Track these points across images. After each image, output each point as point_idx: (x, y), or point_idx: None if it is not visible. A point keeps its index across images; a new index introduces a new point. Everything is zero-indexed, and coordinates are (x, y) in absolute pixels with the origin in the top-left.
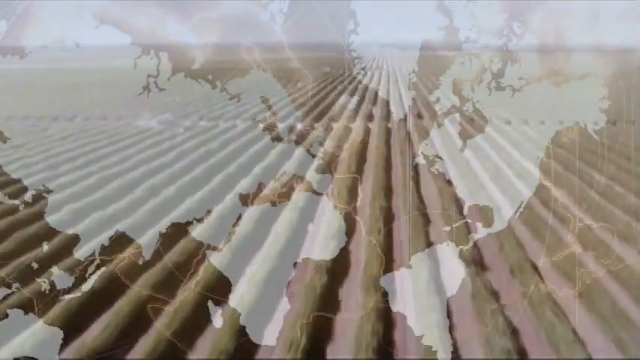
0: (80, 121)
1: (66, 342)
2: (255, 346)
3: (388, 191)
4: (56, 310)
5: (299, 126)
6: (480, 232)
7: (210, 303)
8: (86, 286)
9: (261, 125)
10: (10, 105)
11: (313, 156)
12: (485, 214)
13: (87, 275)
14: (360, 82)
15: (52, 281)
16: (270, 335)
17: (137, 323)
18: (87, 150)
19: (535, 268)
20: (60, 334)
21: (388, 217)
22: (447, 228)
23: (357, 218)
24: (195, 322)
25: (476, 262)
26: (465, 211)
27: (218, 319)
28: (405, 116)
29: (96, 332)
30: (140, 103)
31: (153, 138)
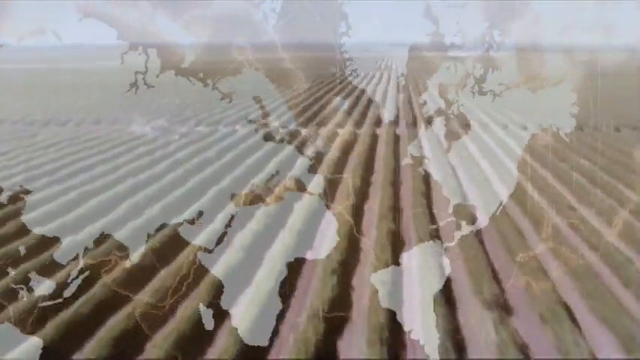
0: (72, 126)
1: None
2: None
3: (396, 211)
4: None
5: (303, 131)
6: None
7: None
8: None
9: (261, 129)
10: (6, 107)
11: (314, 166)
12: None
13: (69, 281)
14: (363, 83)
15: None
16: None
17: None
18: (73, 160)
19: (570, 312)
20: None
21: (397, 244)
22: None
23: (362, 246)
24: None
25: (499, 305)
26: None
27: None
28: (415, 121)
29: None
30: (138, 106)
31: (145, 146)
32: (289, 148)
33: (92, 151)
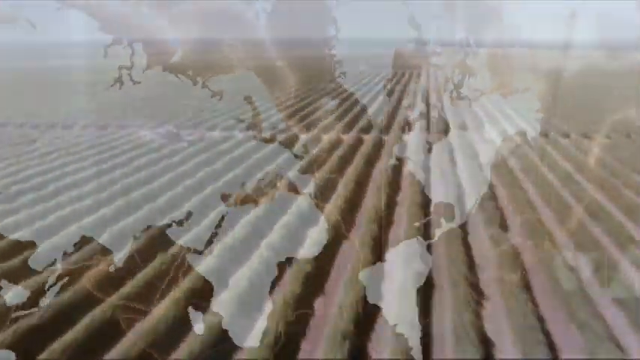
0: (77, 130)
1: None
2: None
3: (428, 247)
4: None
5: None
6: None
7: None
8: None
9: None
10: (12, 107)
11: (334, 180)
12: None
13: (47, 288)
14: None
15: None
16: None
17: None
18: (65, 172)
19: None
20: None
21: (427, 295)
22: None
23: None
24: None
25: None
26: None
27: None
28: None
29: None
30: (152, 108)
31: (148, 156)
32: (308, 159)
33: (88, 161)
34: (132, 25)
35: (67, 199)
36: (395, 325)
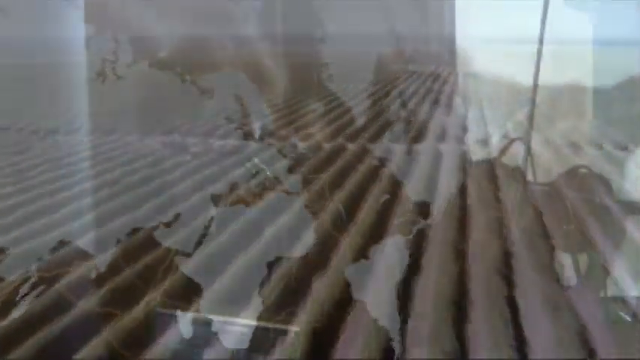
0: (80, 136)
1: None
2: None
3: (461, 313)
4: None
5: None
6: None
7: None
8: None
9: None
10: (19, 108)
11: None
12: None
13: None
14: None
15: None
16: None
17: None
18: (42, 192)
19: None
20: None
21: None
22: None
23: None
24: None
25: None
26: None
27: None
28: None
29: None
30: (166, 109)
31: (144, 171)
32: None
33: (75, 178)
34: (117, 17)
35: (29, 232)
36: None
